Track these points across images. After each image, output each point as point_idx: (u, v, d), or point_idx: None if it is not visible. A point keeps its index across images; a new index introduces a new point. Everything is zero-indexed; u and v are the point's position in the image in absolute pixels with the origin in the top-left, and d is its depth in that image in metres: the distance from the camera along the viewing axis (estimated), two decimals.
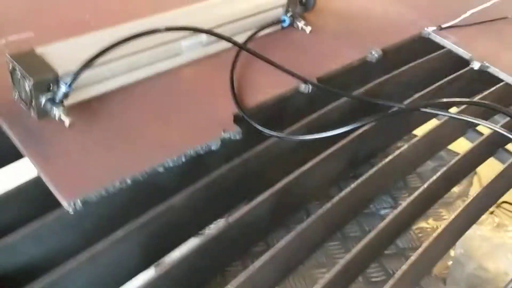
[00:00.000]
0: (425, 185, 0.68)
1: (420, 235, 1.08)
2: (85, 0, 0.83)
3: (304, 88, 0.74)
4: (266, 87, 0.73)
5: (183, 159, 0.60)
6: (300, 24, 0.83)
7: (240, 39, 0.78)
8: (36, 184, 0.56)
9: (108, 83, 0.64)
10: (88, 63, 0.58)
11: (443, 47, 0.93)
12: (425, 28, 0.95)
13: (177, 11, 0.73)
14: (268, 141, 0.67)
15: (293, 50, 0.81)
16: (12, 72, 0.58)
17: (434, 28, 0.95)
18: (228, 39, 0.71)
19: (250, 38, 0.77)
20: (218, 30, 0.74)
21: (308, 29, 0.83)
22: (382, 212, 1.12)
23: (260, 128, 0.65)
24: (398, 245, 1.04)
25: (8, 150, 0.61)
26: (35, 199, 0.56)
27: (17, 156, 0.63)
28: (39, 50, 0.60)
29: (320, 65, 0.79)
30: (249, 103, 0.69)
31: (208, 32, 0.70)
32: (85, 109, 0.62)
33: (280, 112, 0.75)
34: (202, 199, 0.62)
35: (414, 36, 0.93)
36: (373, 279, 0.96)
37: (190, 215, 0.62)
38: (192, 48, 0.72)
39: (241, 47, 0.73)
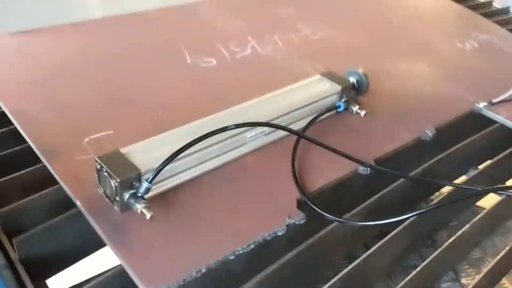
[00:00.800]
0: (494, 261, 0.69)
1: None
2: (157, 98, 0.91)
3: (363, 170, 0.78)
4: (326, 171, 0.77)
5: (252, 246, 0.64)
6: (355, 108, 0.88)
7: (299, 125, 0.83)
8: (119, 275, 0.60)
9: (181, 176, 0.70)
10: (167, 162, 0.64)
11: (495, 122, 0.95)
12: (476, 104, 0.97)
13: (241, 106, 0.79)
14: (332, 225, 0.69)
15: (350, 133, 0.86)
16: (99, 171, 0.65)
17: (485, 103, 0.98)
18: (288, 130, 0.76)
19: (308, 125, 0.82)
20: (279, 120, 0.80)
21: (362, 113, 0.87)
22: (444, 285, 1.09)
23: (323, 213, 0.68)
24: None
25: (90, 240, 0.67)
26: None
27: (99, 245, 0.70)
28: (123, 150, 0.67)
29: (377, 147, 0.83)
30: (310, 187, 0.73)
31: (270, 125, 0.76)
32: (161, 201, 0.68)
33: (341, 194, 0.78)
34: (272, 285, 0.65)
35: (466, 113, 0.95)
36: None
37: None
38: (256, 138, 0.78)
39: (300, 135, 0.78)
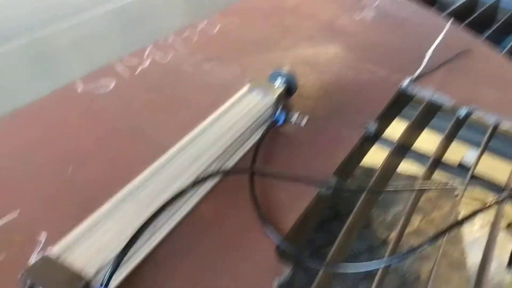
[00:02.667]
0: None
1: None
2: (56, 151, 0.73)
3: (325, 191, 0.70)
4: (291, 203, 0.67)
5: None
6: (293, 119, 0.79)
7: (243, 152, 0.73)
8: None
9: (134, 259, 0.56)
10: (120, 258, 0.50)
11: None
12: (401, 84, 0.94)
13: (173, 151, 0.66)
14: (319, 274, 0.61)
15: (297, 148, 0.77)
16: None
17: (408, 80, 0.95)
18: (240, 171, 0.66)
19: (255, 155, 0.71)
20: (221, 157, 0.68)
21: (303, 122, 0.78)
22: None
23: (309, 264, 0.59)
24: None
25: None
26: None
27: None
28: (53, 251, 0.51)
29: (329, 157, 0.75)
30: (282, 227, 0.64)
31: (228, 172, 0.64)
32: None
33: (306, 221, 0.70)
34: None
35: (395, 96, 0.92)
36: None
37: None
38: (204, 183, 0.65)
39: (251, 173, 0.67)
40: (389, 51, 1.07)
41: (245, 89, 0.79)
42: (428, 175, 0.83)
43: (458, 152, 1.01)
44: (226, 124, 0.72)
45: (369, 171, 1.20)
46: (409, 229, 1.13)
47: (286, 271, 0.58)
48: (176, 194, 0.55)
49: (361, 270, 0.60)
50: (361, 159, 0.86)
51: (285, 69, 0.83)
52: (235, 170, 0.66)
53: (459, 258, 1.07)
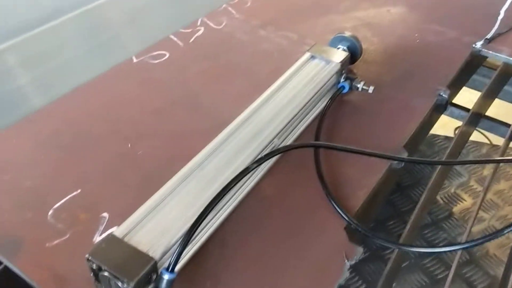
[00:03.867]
0: None
1: None
2: (115, 126, 0.71)
3: (397, 164, 0.65)
4: (360, 178, 0.63)
5: None
6: (360, 85, 0.74)
7: (304, 124, 0.69)
8: None
9: (199, 239, 0.54)
10: (187, 240, 0.47)
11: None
12: (473, 45, 0.86)
13: (236, 123, 0.63)
14: (394, 253, 0.57)
15: (365, 119, 0.72)
16: (97, 271, 0.47)
17: (481, 42, 0.87)
18: (306, 145, 0.62)
19: (320, 127, 0.67)
20: (285, 128, 0.64)
21: (370, 88, 0.73)
22: None
23: (383, 243, 0.56)
24: None
25: None
26: None
27: None
28: (118, 232, 0.49)
29: (400, 128, 0.70)
30: (351, 205, 0.60)
31: (292, 147, 0.61)
32: (183, 281, 0.52)
33: (377, 197, 0.66)
34: None
35: (467, 59, 0.84)
36: None
37: None
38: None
39: (320, 146, 0.63)
40: (457, 10, 0.98)
41: (306, 56, 0.74)
42: (506, 145, 0.77)
43: None
44: (288, 95, 0.68)
45: (432, 138, 1.13)
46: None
47: (357, 251, 0.54)
48: (240, 172, 0.52)
49: (440, 250, 0.55)
50: (431, 129, 0.80)
51: (348, 33, 0.77)
52: (299, 144, 0.62)
53: None
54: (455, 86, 0.80)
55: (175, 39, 0.89)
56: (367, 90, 0.73)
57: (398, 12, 0.97)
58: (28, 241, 0.56)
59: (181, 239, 0.48)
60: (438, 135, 1.08)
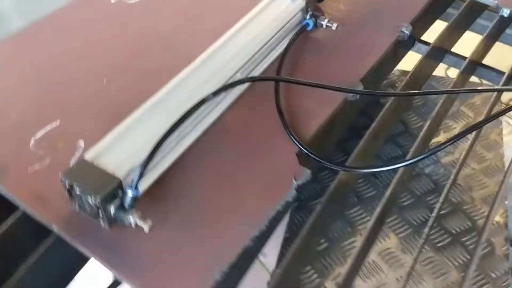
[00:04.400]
0: None
1: None
2: (92, 62, 0.76)
3: (352, 96, 0.70)
4: (316, 109, 0.68)
5: (267, 224, 0.57)
6: (324, 22, 0.77)
7: (269, 60, 0.73)
8: None
9: (161, 164, 0.60)
10: (148, 159, 0.54)
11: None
12: None
13: (201, 58, 0.67)
14: (338, 175, 0.63)
15: (326, 54, 0.76)
16: (70, 189, 0.54)
17: None
18: (263, 78, 0.66)
19: (282, 62, 0.72)
20: (248, 64, 0.69)
21: (334, 25, 0.77)
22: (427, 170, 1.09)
23: (328, 165, 0.62)
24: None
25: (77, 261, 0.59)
26: None
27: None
28: (89, 155, 0.56)
29: (359, 63, 0.75)
30: (305, 135, 0.66)
31: (252, 79, 0.65)
32: (148, 200, 0.58)
33: (332, 129, 0.71)
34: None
35: None
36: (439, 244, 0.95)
37: None
38: (230, 91, 0.67)
39: (278, 80, 0.68)
40: None
41: None
42: (464, 78, 0.81)
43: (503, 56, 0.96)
44: (253, 32, 0.72)
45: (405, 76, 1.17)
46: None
47: (305, 173, 0.61)
48: (200, 100, 0.58)
49: (379, 169, 0.61)
50: (395, 65, 0.84)
51: None
52: (260, 77, 0.67)
53: (496, 163, 1.06)
54: (421, 22, 0.83)
55: None
56: (331, 27, 0.77)
57: None
58: (12, 167, 0.62)
59: (142, 162, 0.54)
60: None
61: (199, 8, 0.86)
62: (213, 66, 0.67)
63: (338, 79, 0.71)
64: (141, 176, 0.54)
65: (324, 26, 0.77)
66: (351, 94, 0.70)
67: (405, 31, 0.79)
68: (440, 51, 0.86)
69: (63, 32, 0.82)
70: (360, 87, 0.71)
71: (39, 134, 0.66)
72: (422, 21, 0.84)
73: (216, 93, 0.59)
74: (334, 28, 0.77)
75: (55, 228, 0.56)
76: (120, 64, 0.76)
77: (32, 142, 0.65)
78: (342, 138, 0.72)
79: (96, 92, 0.72)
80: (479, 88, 1.08)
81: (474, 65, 0.85)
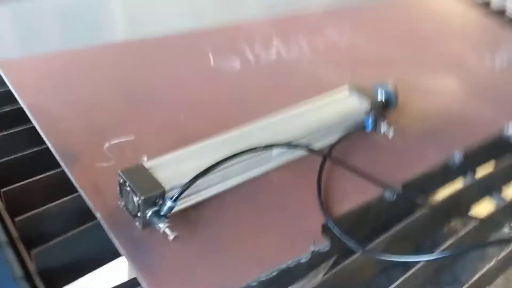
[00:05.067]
0: None
1: None
2: (179, 101, 0.89)
3: (389, 196, 0.76)
4: (351, 194, 0.74)
5: (275, 274, 0.62)
6: (383, 128, 0.85)
7: (325, 142, 0.81)
8: None
9: (204, 193, 0.68)
10: (193, 181, 0.62)
11: None
12: (505, 130, 0.94)
13: (268, 120, 0.77)
14: (356, 255, 0.67)
15: (376, 154, 0.83)
16: (122, 185, 0.63)
17: None
18: (313, 151, 0.74)
19: (335, 145, 0.79)
20: (306, 137, 0.77)
21: (390, 134, 0.84)
22: None
23: (349, 244, 0.66)
24: None
25: (107, 251, 0.66)
26: None
27: (114, 255, 0.68)
28: (147, 164, 0.65)
29: (403, 169, 0.80)
30: (335, 211, 0.71)
31: (298, 147, 0.73)
32: (182, 218, 0.66)
33: (363, 218, 0.76)
34: None
35: (495, 137, 0.93)
36: None
37: None
38: (281, 155, 0.75)
39: (325, 156, 0.75)
40: (508, 97, 1.06)
41: (344, 89, 0.87)
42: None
43: None
44: (318, 113, 0.81)
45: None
46: None
47: (324, 243, 0.66)
48: (249, 148, 0.66)
49: (400, 260, 0.64)
50: (440, 185, 0.88)
51: (389, 83, 0.89)
52: (312, 150, 0.75)
53: None
54: (473, 157, 0.88)
55: (248, 54, 1.06)
56: (388, 134, 0.85)
57: (453, 86, 1.07)
58: (83, 157, 0.73)
59: (188, 181, 0.63)
60: None
61: (277, 86, 0.98)
62: (277, 129, 0.76)
63: (379, 177, 0.77)
64: (182, 192, 0.62)
65: (382, 132, 0.85)
66: (388, 193, 0.75)
67: (455, 157, 0.84)
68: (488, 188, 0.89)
69: (162, 58, 0.96)
70: (399, 189, 0.76)
71: (114, 141, 0.77)
72: (476, 157, 0.89)
73: (266, 147, 0.68)
74: (390, 136, 0.84)
75: (98, 215, 0.65)
76: (198, 106, 0.88)
77: (106, 145, 0.76)
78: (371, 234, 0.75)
79: (172, 123, 0.83)
80: None
81: None
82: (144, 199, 0.60)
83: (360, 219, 0.75)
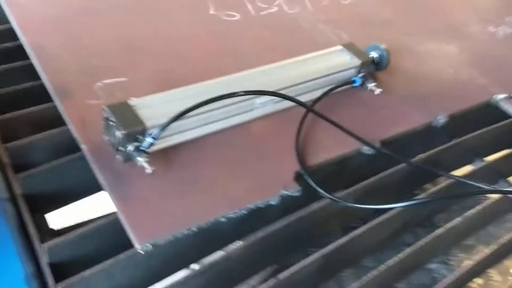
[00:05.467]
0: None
1: None
2: (174, 48, 0.91)
3: (366, 150, 0.78)
4: (330, 147, 0.77)
5: (244, 212, 0.66)
6: (370, 85, 0.87)
7: (312, 95, 0.83)
8: (113, 223, 0.63)
9: (184, 135, 0.71)
10: (172, 120, 0.65)
11: (510, 117, 0.93)
12: (494, 96, 0.95)
13: (255, 70, 0.79)
14: (324, 201, 0.71)
15: (360, 110, 0.85)
16: (106, 119, 0.67)
17: (504, 96, 0.95)
18: (297, 102, 0.76)
19: (320, 98, 0.81)
20: (292, 89, 0.79)
21: (377, 91, 0.86)
22: (432, 266, 1.09)
23: (318, 189, 0.69)
24: None
25: (91, 183, 0.70)
26: (111, 236, 0.63)
27: (98, 188, 0.72)
28: (132, 102, 0.68)
29: (386, 127, 0.83)
30: (311, 160, 0.74)
31: (281, 95, 0.75)
32: (162, 157, 0.69)
33: (341, 171, 0.79)
34: (257, 251, 0.67)
35: (482, 103, 0.94)
36: None
37: (245, 265, 0.67)
38: (265, 104, 0.78)
39: (308, 109, 0.77)
40: (505, 67, 1.06)
41: (337, 47, 0.89)
42: None
43: None
44: (309, 66, 0.83)
45: None
46: None
47: (295, 188, 0.69)
48: (230, 93, 0.69)
49: (368, 206, 0.67)
50: (422, 147, 0.89)
51: (383, 45, 0.90)
52: (294, 100, 0.77)
53: None
54: (458, 121, 0.89)
55: (248, 5, 1.07)
56: (374, 91, 0.86)
57: (449, 51, 1.07)
58: (75, 94, 0.76)
59: (168, 120, 0.66)
60: None
61: (274, 41, 0.99)
62: (264, 78, 0.78)
63: (361, 133, 0.79)
64: (161, 129, 0.65)
65: (368, 88, 0.87)
66: (365, 148, 0.78)
67: (439, 119, 0.86)
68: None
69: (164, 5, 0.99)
70: (378, 144, 0.78)
71: (107, 81, 0.80)
72: (461, 121, 0.90)
73: (247, 93, 0.70)
74: (376, 93, 0.86)
75: (83, 147, 0.69)
76: (193, 56, 0.90)
77: (99, 84, 0.79)
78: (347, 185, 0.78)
79: (165, 69, 0.85)
80: None
81: None
82: (125, 134, 0.64)
83: (336, 171, 0.78)
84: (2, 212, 0.62)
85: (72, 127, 0.71)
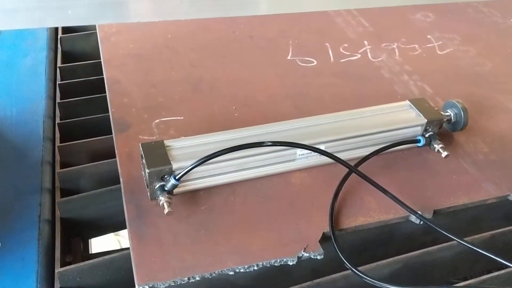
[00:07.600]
0: None
1: None
2: (239, 91, 0.92)
3: (415, 219, 0.70)
4: (372, 210, 0.70)
5: (255, 268, 0.63)
6: (437, 146, 0.78)
7: (370, 151, 0.77)
8: (126, 258, 0.65)
9: (215, 179, 0.71)
10: (196, 164, 0.65)
11: None
12: None
13: (307, 119, 0.77)
14: (346, 272, 0.64)
15: (422, 173, 0.76)
16: (141, 157, 0.69)
17: None
18: (338, 160, 0.71)
19: (367, 158, 0.75)
20: (346, 141, 0.75)
21: (444, 153, 0.77)
22: None
23: (341, 256, 0.63)
24: None
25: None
26: (121, 270, 0.65)
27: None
28: (168, 142, 0.70)
29: (446, 196, 0.73)
30: (347, 223, 0.68)
31: (319, 151, 0.71)
32: (188, 199, 0.70)
33: (378, 238, 0.71)
34: None
35: None
36: None
37: None
38: (306, 156, 0.74)
39: (351, 169, 0.72)
40: None
41: (404, 102, 0.82)
42: None
43: None
44: (371, 119, 0.77)
45: None
46: None
47: (318, 251, 0.64)
48: (257, 142, 0.67)
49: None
50: (486, 226, 0.77)
51: (460, 103, 0.81)
52: (333, 157, 0.72)
53: None
54: None
55: (330, 52, 1.05)
56: (441, 154, 0.77)
57: None
58: (131, 129, 0.81)
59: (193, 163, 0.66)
60: None
61: (351, 89, 0.95)
62: (315, 128, 0.75)
63: (415, 199, 0.71)
64: (185, 172, 0.66)
65: (435, 150, 0.78)
66: (414, 217, 0.69)
67: (509, 198, 0.74)
68: None
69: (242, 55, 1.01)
70: (429, 216, 0.70)
71: (164, 119, 0.84)
72: None
73: (274, 143, 0.68)
74: (443, 155, 0.77)
75: (121, 179, 0.72)
76: (255, 100, 0.90)
77: (156, 121, 0.84)
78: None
79: (223, 111, 0.87)
80: None
81: None
82: (149, 172, 0.66)
83: (372, 238, 0.71)
84: (36, 231, 0.67)
85: (118, 159, 0.76)
